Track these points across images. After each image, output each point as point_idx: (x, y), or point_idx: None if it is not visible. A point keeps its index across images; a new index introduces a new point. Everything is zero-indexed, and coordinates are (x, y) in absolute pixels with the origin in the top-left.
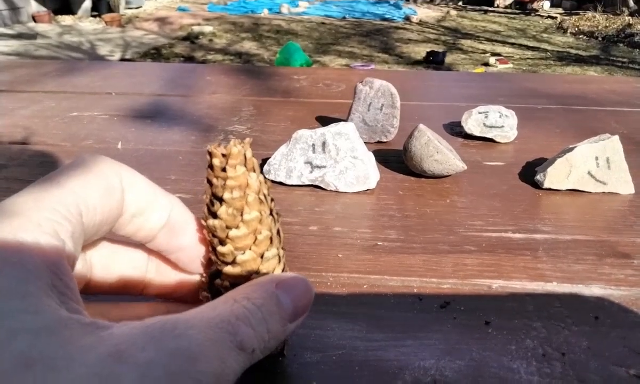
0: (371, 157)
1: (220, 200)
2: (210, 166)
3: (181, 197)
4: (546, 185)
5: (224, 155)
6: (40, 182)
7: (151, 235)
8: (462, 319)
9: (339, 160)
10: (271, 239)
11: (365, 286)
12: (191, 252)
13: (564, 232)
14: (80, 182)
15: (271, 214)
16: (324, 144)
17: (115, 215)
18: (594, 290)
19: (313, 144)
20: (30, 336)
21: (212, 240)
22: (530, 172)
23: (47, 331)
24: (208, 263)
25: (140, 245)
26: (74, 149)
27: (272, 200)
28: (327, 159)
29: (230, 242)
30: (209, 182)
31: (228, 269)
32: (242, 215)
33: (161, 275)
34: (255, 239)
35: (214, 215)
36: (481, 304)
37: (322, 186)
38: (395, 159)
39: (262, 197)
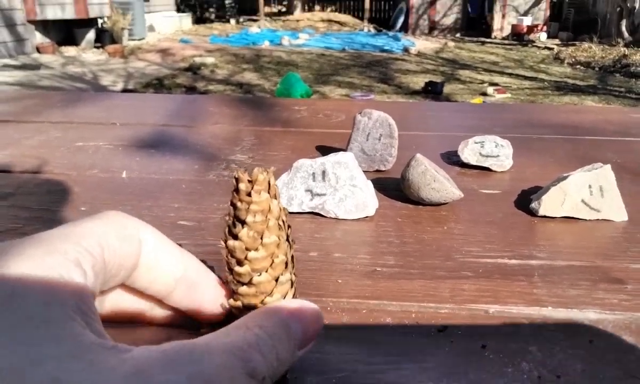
0: (370, 185)
1: (243, 223)
2: (236, 190)
3: (184, 224)
4: (541, 212)
5: (249, 181)
6: (64, 225)
7: (166, 289)
8: (460, 343)
9: (339, 188)
10: (286, 263)
11: (364, 311)
12: (212, 307)
13: (559, 258)
14: (102, 227)
15: (287, 240)
16: (324, 172)
17: (132, 262)
18: (589, 314)
19: (313, 173)
20: (55, 362)
21: (229, 261)
22: (525, 200)
23: (72, 356)
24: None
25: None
26: (80, 178)
27: (289, 227)
28: (327, 188)
29: (248, 263)
30: (233, 205)
31: (243, 289)
32: (262, 238)
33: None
34: (272, 262)
35: (235, 237)
36: (478, 329)
37: (322, 213)
38: (393, 187)
39: (281, 223)
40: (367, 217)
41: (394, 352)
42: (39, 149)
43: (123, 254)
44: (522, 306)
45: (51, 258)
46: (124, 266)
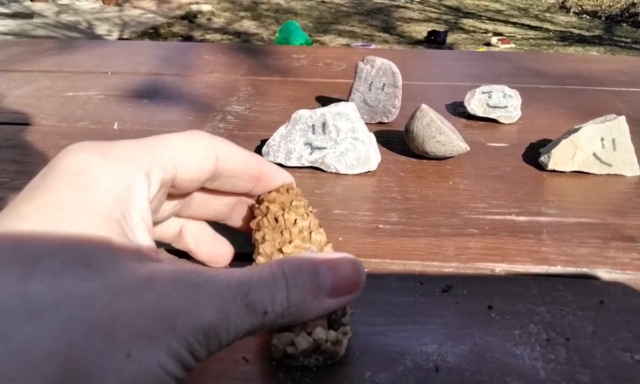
0: (372, 138)
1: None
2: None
3: None
4: (550, 166)
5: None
6: (153, 137)
7: (247, 187)
8: (465, 304)
9: (340, 141)
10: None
11: (366, 270)
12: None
13: (568, 215)
14: (183, 145)
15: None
16: (324, 124)
17: (206, 177)
18: (599, 274)
19: (313, 125)
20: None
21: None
22: (534, 154)
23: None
24: None
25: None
26: (70, 129)
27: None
28: (327, 141)
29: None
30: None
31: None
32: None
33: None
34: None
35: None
36: (484, 288)
37: (322, 167)
38: (396, 140)
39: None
40: (369, 171)
41: (397, 313)
42: (28, 99)
43: (197, 171)
44: (530, 264)
45: (122, 166)
46: (197, 180)
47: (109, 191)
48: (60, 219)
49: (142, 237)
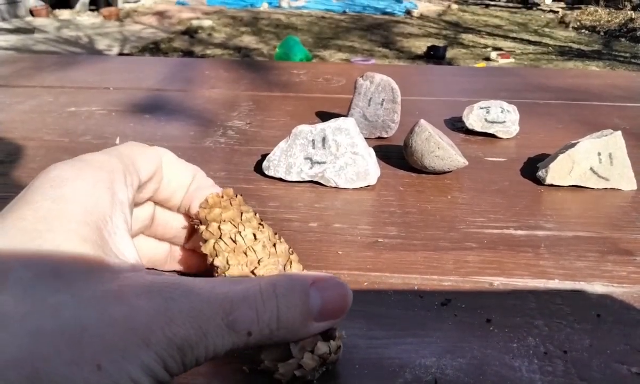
0: (372, 153)
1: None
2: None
3: None
4: (548, 181)
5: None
6: (114, 147)
7: (182, 197)
8: (463, 317)
9: (339, 156)
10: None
11: (365, 284)
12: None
13: (566, 229)
14: (137, 150)
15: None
16: (324, 139)
17: (159, 177)
18: (596, 287)
19: (313, 140)
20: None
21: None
22: (532, 168)
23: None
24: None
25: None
26: (72, 144)
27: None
28: (327, 155)
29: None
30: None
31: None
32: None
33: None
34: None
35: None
36: (482, 302)
37: (322, 182)
38: (395, 154)
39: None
40: (368, 186)
41: (396, 326)
42: (31, 114)
43: (152, 171)
44: (528, 278)
45: (99, 172)
46: (154, 180)
47: (87, 197)
48: (36, 230)
49: (123, 239)
